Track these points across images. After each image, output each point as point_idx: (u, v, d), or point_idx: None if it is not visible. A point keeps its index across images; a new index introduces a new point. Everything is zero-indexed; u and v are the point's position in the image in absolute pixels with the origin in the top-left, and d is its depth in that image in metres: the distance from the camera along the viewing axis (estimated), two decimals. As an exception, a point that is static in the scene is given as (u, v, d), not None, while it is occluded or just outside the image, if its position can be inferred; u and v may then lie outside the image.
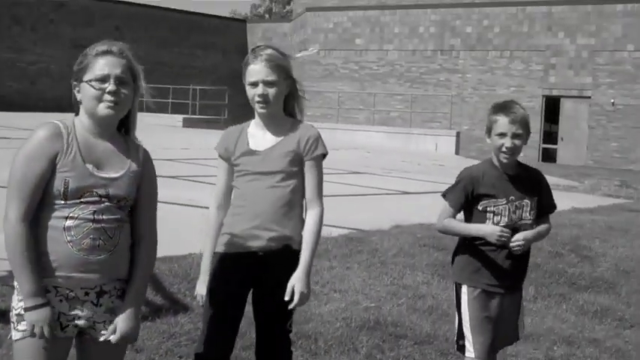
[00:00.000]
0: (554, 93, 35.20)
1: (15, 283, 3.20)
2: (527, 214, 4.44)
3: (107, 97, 3.20)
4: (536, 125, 35.07)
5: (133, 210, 3.35)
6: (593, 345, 6.52)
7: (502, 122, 4.36)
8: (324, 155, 4.01)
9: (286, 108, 4.06)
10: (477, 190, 4.40)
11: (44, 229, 3.15)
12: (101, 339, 3.28)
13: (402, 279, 7.94)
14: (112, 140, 3.31)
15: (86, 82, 3.23)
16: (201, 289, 4.06)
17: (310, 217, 3.96)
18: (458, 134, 31.63)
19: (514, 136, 4.34)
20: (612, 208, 15.44)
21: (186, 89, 40.88)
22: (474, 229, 4.40)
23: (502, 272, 4.41)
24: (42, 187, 3.14)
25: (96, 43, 3.32)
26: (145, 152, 3.44)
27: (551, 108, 35.51)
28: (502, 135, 4.35)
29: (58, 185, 3.13)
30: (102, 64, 3.23)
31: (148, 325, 5.85)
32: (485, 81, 36.50)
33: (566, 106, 35.10)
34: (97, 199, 3.18)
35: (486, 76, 36.56)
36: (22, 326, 3.15)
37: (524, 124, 4.38)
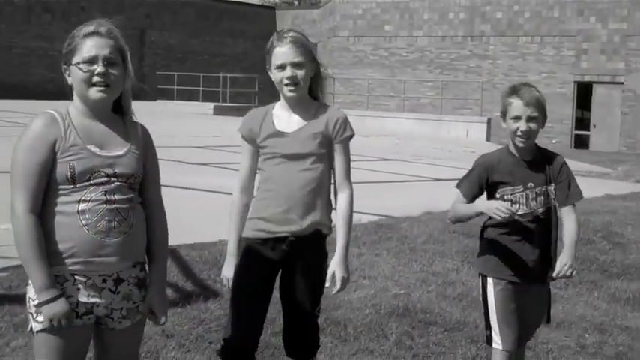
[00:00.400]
0: (586, 79, 34.88)
1: None
2: (549, 201, 4.31)
3: (96, 78, 3.14)
4: (568, 112, 34.83)
5: (140, 188, 3.32)
6: (625, 332, 6.46)
7: (516, 105, 4.23)
8: (352, 137, 3.99)
9: (310, 91, 4.01)
10: (492, 178, 4.28)
11: (55, 217, 3.11)
12: (122, 327, 3.29)
13: (431, 266, 7.92)
14: (109, 121, 3.27)
15: (75, 64, 3.18)
16: (228, 272, 4.06)
17: (342, 201, 3.94)
18: (489, 121, 31.43)
19: (529, 119, 4.20)
20: (645, 194, 15.28)
21: (217, 77, 41.00)
22: (478, 205, 4.26)
23: (527, 263, 4.30)
24: (46, 176, 3.10)
25: (83, 24, 3.25)
26: (144, 129, 3.41)
27: (583, 94, 35.18)
28: (517, 118, 4.22)
29: (63, 171, 3.09)
30: (89, 46, 3.17)
31: (178, 312, 5.89)
32: (517, 67, 36.22)
33: (598, 92, 34.76)
34: (105, 179, 3.14)
35: (517, 62, 36.27)
36: (42, 317, 3.11)
37: (540, 106, 4.24)
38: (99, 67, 3.15)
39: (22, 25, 38.50)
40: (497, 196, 4.29)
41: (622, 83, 34.03)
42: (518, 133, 4.22)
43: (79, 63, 3.17)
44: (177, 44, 44.36)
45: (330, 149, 3.94)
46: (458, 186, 4.39)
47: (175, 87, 40.35)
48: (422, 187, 14.65)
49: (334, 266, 3.86)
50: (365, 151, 20.37)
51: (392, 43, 39.54)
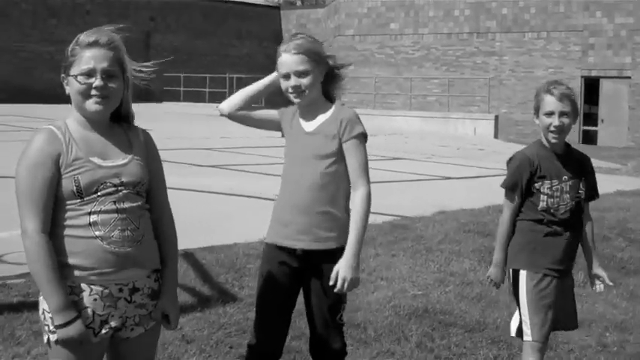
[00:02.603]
0: (593, 74, 34.78)
1: None
2: (579, 195, 4.44)
3: (94, 92, 3.06)
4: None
5: (147, 193, 3.25)
6: (647, 330, 6.41)
7: (549, 101, 4.34)
8: (363, 135, 3.84)
9: (325, 92, 3.94)
10: (533, 172, 4.37)
11: (67, 231, 3.05)
12: (135, 335, 3.22)
13: (448, 266, 7.88)
14: (109, 130, 3.20)
15: (73, 76, 3.10)
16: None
17: (355, 199, 3.80)
18: (496, 117, 31.33)
19: (561, 114, 4.32)
20: (657, 189, 15.21)
21: (223, 78, 40.99)
22: (497, 257, 4.51)
23: (561, 256, 4.39)
24: (53, 192, 3.02)
25: (84, 33, 3.15)
26: (145, 133, 3.33)
27: (591, 89, 35.08)
28: (550, 114, 4.33)
29: (68, 186, 3.03)
30: (87, 58, 3.08)
31: (197, 316, 5.87)
32: (523, 63, 36.15)
33: (605, 87, 34.68)
34: (113, 189, 3.09)
35: (524, 58, 36.19)
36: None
37: (572, 102, 4.36)
38: (97, 81, 3.07)
39: (28, 29, 38.56)
40: (534, 189, 4.37)
41: (629, 77, 33.93)
42: (552, 129, 4.33)
43: (76, 75, 3.09)
44: (183, 46, 44.31)
45: (341, 150, 3.83)
46: (505, 186, 4.46)
47: (181, 89, 40.35)
48: (433, 186, 14.60)
49: (338, 266, 3.73)
50: (374, 150, 20.33)
51: (397, 41, 39.48)
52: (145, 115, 30.05)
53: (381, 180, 14.12)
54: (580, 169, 4.46)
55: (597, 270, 4.61)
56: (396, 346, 5.64)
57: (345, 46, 40.64)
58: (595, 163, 16.89)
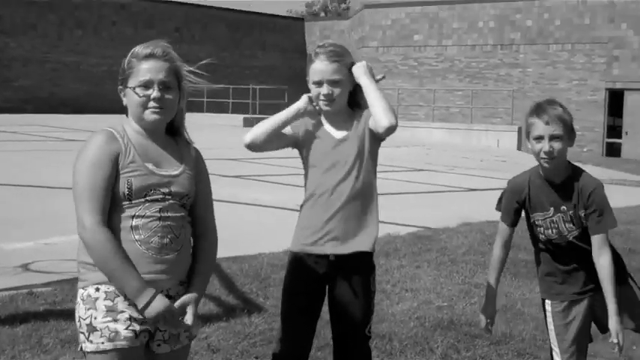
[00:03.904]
0: (618, 86, 34.59)
1: (81, 292, 3.12)
2: (582, 223, 4.06)
3: (152, 103, 3.16)
4: (600, 119, 34.56)
5: (192, 208, 3.31)
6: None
7: (537, 125, 3.99)
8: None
9: (352, 102, 3.97)
10: (524, 202, 4.12)
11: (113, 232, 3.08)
12: (161, 352, 3.23)
13: (473, 277, 7.86)
14: (164, 141, 3.28)
15: (130, 88, 3.18)
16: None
17: None
18: (519, 129, 31.22)
19: (552, 138, 3.95)
20: (684, 203, 15.08)
21: (246, 89, 41.13)
22: (489, 296, 4.31)
23: (581, 282, 4.12)
24: (111, 190, 3.08)
25: (139, 45, 3.24)
26: (197, 151, 3.41)
27: (615, 101, 34.90)
28: (539, 138, 3.98)
29: (122, 187, 3.09)
30: (145, 70, 3.17)
31: (222, 326, 5.89)
32: (547, 75, 36.02)
33: (630, 99, 34.46)
34: (161, 196, 3.14)
35: (548, 69, 36.07)
36: (96, 337, 3.06)
37: (563, 122, 3.99)
38: (154, 92, 3.16)
39: (55, 39, 38.91)
40: (531, 220, 4.14)
41: (654, 90, 33.71)
42: (542, 155, 3.98)
43: (134, 87, 3.17)
44: (206, 57, 44.15)
45: (371, 157, 3.89)
46: (498, 209, 4.25)
47: (205, 99, 40.50)
48: (456, 198, 14.59)
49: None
50: (397, 162, 20.35)
51: (421, 52, 39.49)
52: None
53: (403, 191, 14.13)
54: (580, 200, 4.04)
55: (610, 322, 3.97)
56: (421, 358, 5.62)
57: (369, 58, 40.59)
58: (620, 175, 16.85)
